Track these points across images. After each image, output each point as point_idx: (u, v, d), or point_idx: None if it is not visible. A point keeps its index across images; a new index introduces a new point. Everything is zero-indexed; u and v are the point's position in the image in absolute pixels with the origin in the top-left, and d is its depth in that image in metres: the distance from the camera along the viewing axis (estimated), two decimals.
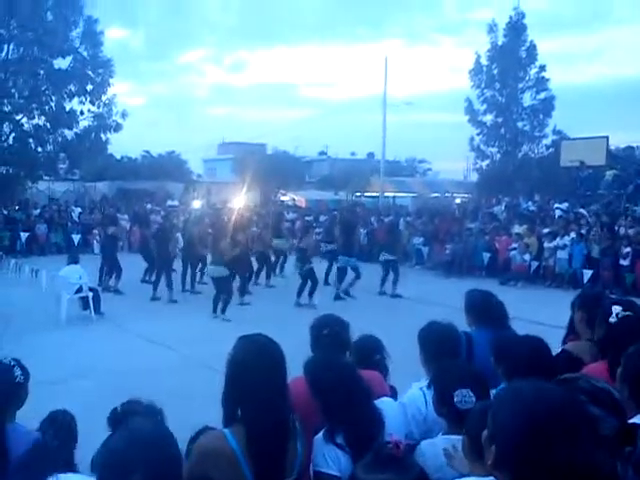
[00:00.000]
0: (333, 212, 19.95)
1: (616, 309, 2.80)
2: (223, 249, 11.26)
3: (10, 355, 2.89)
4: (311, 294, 12.22)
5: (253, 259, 14.26)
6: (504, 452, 1.35)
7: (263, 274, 14.63)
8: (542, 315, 9.20)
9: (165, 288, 12.58)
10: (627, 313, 2.77)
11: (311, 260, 12.69)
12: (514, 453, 1.33)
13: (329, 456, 2.36)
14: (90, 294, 10.93)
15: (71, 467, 2.71)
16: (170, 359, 8.40)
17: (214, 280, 11.32)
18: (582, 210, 19.30)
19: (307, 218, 19.98)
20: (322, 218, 21.43)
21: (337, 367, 2.57)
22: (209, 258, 12.14)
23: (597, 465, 1.32)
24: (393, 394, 3.19)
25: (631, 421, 1.95)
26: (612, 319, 2.78)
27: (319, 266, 13.60)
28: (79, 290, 10.90)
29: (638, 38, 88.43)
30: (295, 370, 2.64)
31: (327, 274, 14.47)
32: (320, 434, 2.43)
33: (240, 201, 21.30)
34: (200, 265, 14.08)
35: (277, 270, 15.71)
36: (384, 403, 2.61)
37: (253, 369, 2.22)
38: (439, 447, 2.41)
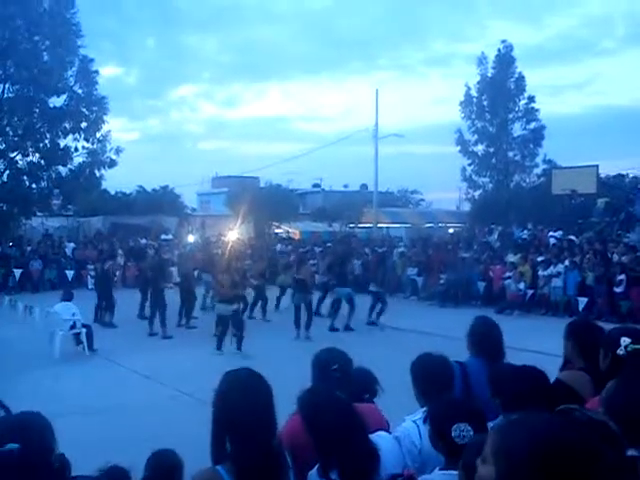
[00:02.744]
0: (327, 245, 19.99)
1: (625, 341, 2.70)
2: (224, 284, 11.14)
3: (4, 393, 2.85)
4: (308, 327, 12.20)
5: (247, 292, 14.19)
6: None
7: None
8: (538, 344, 9.17)
9: (160, 323, 12.49)
10: (637, 347, 2.67)
11: (311, 291, 12.72)
12: None
13: None
14: (83, 330, 10.86)
15: None
16: (164, 395, 8.31)
17: (221, 318, 11.10)
18: (572, 237, 19.42)
19: (302, 250, 19.94)
20: (317, 249, 21.46)
21: (332, 401, 2.54)
22: (215, 296, 11.96)
23: None
24: (387, 427, 3.16)
25: (629, 454, 1.94)
26: (620, 351, 2.70)
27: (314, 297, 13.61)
28: (73, 326, 10.84)
29: (624, 69, 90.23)
30: (292, 404, 2.62)
31: (319, 305, 14.46)
32: (314, 470, 2.39)
33: (234, 234, 21.32)
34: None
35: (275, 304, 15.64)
36: (380, 437, 2.58)
37: (237, 404, 2.21)
38: None
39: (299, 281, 12.60)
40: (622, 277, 14.67)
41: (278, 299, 15.70)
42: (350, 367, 3.13)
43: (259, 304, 14.57)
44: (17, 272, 19.82)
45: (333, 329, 12.84)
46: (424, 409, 2.92)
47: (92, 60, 24.33)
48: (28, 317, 12.22)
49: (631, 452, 1.96)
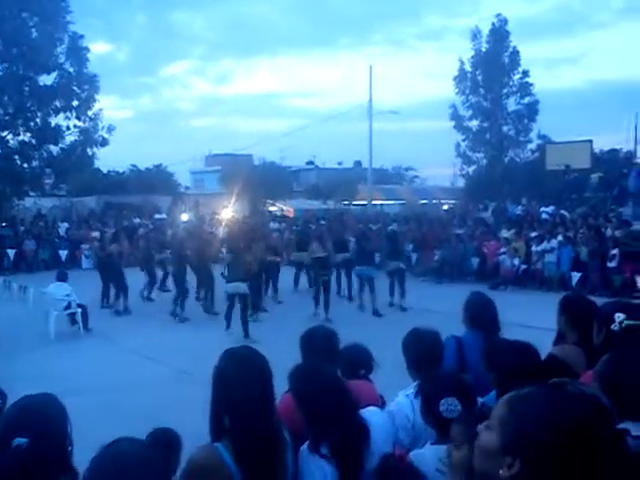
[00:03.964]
0: (320, 222, 19.90)
1: (619, 317, 2.72)
2: (246, 263, 10.71)
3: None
4: (327, 307, 11.87)
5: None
6: (535, 463, 1.34)
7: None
8: (532, 318, 9.23)
9: (174, 302, 12.26)
10: (631, 322, 2.69)
11: (331, 269, 12.60)
12: (548, 463, 1.32)
13: (314, 467, 2.35)
14: (78, 310, 10.88)
15: None
16: (161, 373, 8.36)
17: (238, 297, 10.60)
18: (563, 212, 19.48)
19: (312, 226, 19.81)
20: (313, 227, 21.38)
21: (322, 377, 2.57)
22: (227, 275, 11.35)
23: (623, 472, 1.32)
24: (381, 403, 3.20)
25: (620, 427, 1.96)
26: (614, 327, 2.71)
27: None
28: (68, 306, 10.85)
29: (618, 42, 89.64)
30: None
31: (349, 286, 14.28)
32: (305, 445, 2.42)
33: (228, 212, 21.26)
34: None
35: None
36: (370, 412, 2.61)
37: (236, 381, 2.22)
38: (427, 457, 2.41)
39: (322, 259, 12.32)
40: (615, 252, 14.74)
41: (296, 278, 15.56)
42: (335, 340, 3.18)
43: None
44: (11, 252, 19.77)
45: (376, 313, 12.34)
46: (416, 383, 2.97)
47: (82, 37, 24.03)
48: (22, 297, 12.23)
49: (623, 425, 1.99)
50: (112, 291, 13.29)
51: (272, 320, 11.73)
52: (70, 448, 1.95)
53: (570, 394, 1.47)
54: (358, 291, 12.99)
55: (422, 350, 3.10)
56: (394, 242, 13.98)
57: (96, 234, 18.02)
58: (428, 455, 2.43)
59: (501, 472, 1.38)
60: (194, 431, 2.62)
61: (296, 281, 15.35)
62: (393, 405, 2.99)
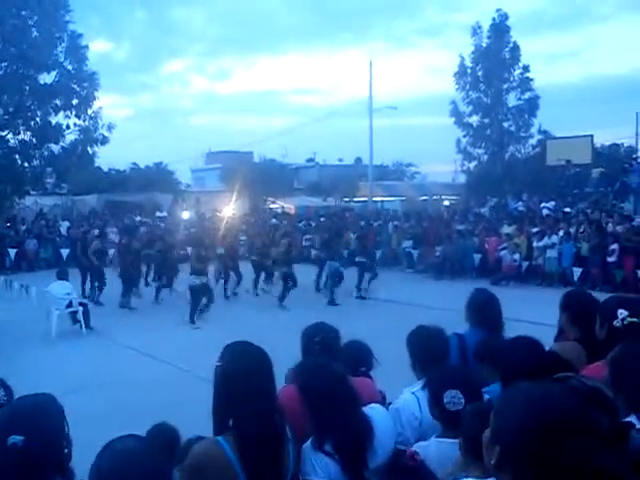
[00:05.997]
0: (320, 218, 20.04)
1: (622, 313, 2.70)
2: (197, 258, 11.70)
3: (2, 372, 2.84)
4: (282, 298, 12.82)
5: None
6: (510, 451, 1.37)
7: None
8: (534, 314, 9.21)
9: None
10: (634, 320, 2.67)
11: (288, 263, 13.12)
12: (521, 453, 1.34)
13: (317, 464, 2.35)
14: (80, 309, 10.88)
15: None
16: (162, 371, 8.37)
17: (193, 289, 11.56)
18: (566, 209, 19.48)
19: (276, 223, 20.07)
20: (312, 224, 21.45)
21: (327, 373, 2.56)
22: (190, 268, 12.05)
23: (603, 466, 1.33)
24: (382, 400, 3.19)
25: (628, 420, 1.96)
26: (617, 323, 2.70)
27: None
28: (69, 305, 10.85)
29: (620, 35, 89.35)
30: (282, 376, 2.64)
31: (318, 280, 14.55)
32: (308, 442, 2.41)
33: (229, 210, 21.30)
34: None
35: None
36: (373, 409, 2.61)
37: (240, 377, 2.21)
38: (432, 450, 2.41)
39: (279, 254, 13.20)
40: (614, 246, 14.71)
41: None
42: (335, 340, 3.15)
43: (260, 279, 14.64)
44: (12, 252, 19.77)
45: (332, 303, 13.03)
46: (423, 379, 2.96)
47: (81, 35, 23.95)
48: (24, 296, 12.23)
49: (630, 418, 1.98)
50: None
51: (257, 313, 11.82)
52: (67, 449, 1.93)
53: (563, 388, 1.49)
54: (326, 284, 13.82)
55: (429, 348, 3.08)
56: (365, 240, 15.05)
57: (97, 232, 18.09)
58: (432, 448, 2.43)
59: (491, 462, 1.41)
60: (197, 428, 2.62)
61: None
62: (399, 402, 2.97)
